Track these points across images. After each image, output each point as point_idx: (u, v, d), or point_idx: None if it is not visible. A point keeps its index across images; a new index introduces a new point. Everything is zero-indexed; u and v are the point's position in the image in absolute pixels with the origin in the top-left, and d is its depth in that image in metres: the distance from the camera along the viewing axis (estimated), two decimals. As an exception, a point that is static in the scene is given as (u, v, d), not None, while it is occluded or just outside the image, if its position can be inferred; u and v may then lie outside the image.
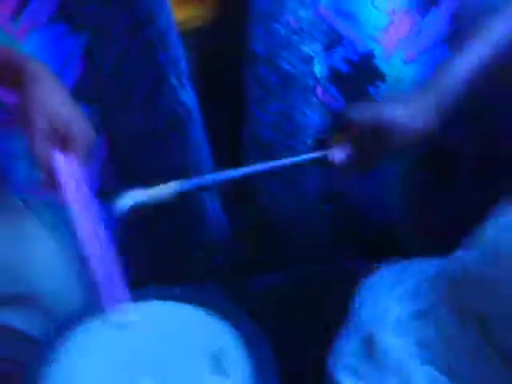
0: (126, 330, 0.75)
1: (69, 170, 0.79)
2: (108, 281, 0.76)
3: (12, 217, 0.94)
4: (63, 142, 0.79)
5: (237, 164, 1.03)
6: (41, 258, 0.93)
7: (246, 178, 0.97)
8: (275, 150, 1.10)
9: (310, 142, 1.11)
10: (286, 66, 1.09)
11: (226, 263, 1.14)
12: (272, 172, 0.99)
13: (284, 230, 1.15)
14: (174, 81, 1.05)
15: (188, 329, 0.77)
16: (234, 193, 1.11)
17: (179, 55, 1.06)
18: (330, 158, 0.95)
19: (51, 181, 0.78)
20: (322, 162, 0.95)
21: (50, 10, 1.04)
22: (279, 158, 1.02)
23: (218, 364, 0.71)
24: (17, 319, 0.89)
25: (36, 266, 0.92)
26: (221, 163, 1.06)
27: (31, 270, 0.91)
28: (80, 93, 1.04)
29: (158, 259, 1.11)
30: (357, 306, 0.83)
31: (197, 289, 0.82)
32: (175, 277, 0.94)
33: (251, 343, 0.73)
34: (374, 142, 0.91)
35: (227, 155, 1.09)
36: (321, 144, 1.02)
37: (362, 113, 0.93)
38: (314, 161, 0.97)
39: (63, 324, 0.77)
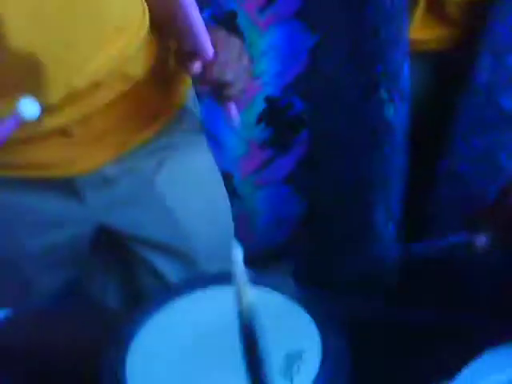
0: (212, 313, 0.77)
1: None
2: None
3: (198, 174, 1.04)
4: None
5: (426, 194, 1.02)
6: (204, 219, 1.02)
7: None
8: (469, 186, 1.05)
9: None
10: (506, 103, 1.02)
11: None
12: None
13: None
14: (384, 94, 1.06)
15: (274, 322, 0.78)
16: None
17: (398, 71, 1.06)
18: (478, 242, 0.87)
19: None
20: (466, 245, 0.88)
21: (293, 7, 1.13)
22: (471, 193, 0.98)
23: (287, 366, 0.73)
24: (164, 264, 0.99)
25: (197, 222, 1.00)
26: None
27: (193, 226, 1.00)
28: (297, 88, 1.12)
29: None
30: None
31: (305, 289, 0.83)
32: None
33: (330, 354, 0.70)
34: None
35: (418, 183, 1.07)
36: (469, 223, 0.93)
37: None
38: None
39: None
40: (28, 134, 0.83)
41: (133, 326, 0.77)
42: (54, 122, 0.83)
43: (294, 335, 0.75)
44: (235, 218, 1.15)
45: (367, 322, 0.97)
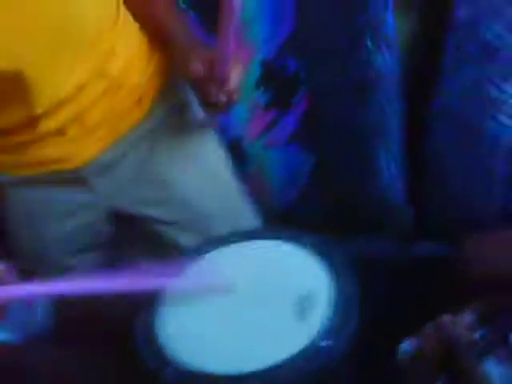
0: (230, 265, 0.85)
1: None
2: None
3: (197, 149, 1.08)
4: None
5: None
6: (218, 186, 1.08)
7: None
8: (463, 121, 1.09)
9: (501, 117, 1.08)
10: (488, 35, 1.06)
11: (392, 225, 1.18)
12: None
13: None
14: (369, 43, 1.11)
15: (288, 268, 0.83)
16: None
17: (381, 20, 1.10)
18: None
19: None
20: None
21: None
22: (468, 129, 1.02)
23: (301, 307, 0.79)
24: (181, 236, 1.05)
25: (201, 192, 1.06)
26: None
27: (197, 196, 1.05)
28: (290, 48, 1.17)
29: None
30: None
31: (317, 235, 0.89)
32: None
33: (342, 295, 0.77)
34: None
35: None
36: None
37: None
38: None
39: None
40: (30, 138, 0.92)
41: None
42: (48, 125, 0.91)
43: (307, 279, 0.81)
44: (248, 180, 1.22)
45: (377, 262, 1.04)
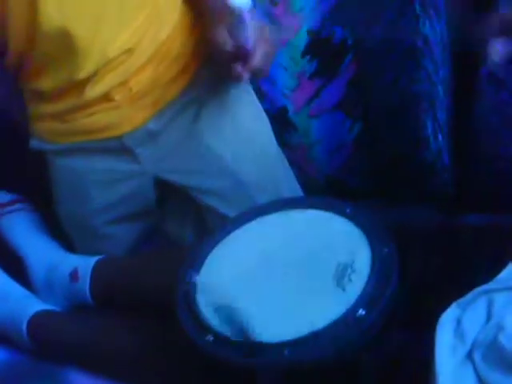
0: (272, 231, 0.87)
1: None
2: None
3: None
4: None
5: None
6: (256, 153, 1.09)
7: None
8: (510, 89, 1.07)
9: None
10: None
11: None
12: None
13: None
14: (418, 9, 1.09)
15: (328, 236, 0.85)
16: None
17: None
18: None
19: None
20: None
21: None
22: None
23: (341, 276, 0.80)
24: (220, 204, 1.07)
25: (245, 164, 1.07)
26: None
27: (241, 167, 1.07)
28: (336, 16, 1.16)
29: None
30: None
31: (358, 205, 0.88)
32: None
33: (380, 264, 0.78)
34: None
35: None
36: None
37: None
38: None
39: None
40: (77, 104, 0.95)
41: (202, 253, 0.88)
42: (96, 90, 0.94)
43: (347, 248, 0.83)
44: (293, 150, 1.23)
45: (419, 232, 1.03)
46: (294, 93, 1.23)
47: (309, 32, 1.18)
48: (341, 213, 0.89)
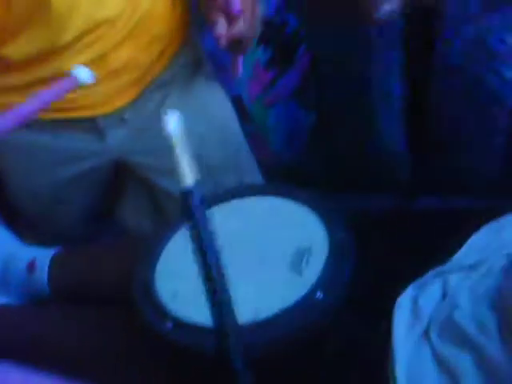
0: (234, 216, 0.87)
1: None
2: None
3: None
4: None
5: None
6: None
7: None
8: (464, 76, 1.09)
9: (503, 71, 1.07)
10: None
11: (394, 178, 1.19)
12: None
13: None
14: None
15: (285, 222, 0.86)
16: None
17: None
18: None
19: None
20: None
21: None
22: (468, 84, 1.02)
23: (297, 261, 0.81)
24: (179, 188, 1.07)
25: (208, 144, 1.06)
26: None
27: (203, 148, 1.01)
28: (290, 4, 1.17)
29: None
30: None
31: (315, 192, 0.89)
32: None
33: (337, 249, 0.79)
34: None
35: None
36: None
37: None
38: None
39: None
40: (48, 76, 0.88)
41: (159, 244, 0.87)
42: (72, 61, 0.88)
43: (304, 233, 0.83)
44: (249, 138, 1.23)
45: (376, 216, 1.05)
46: (249, 82, 1.23)
47: (262, 21, 1.18)
48: (298, 199, 0.90)
